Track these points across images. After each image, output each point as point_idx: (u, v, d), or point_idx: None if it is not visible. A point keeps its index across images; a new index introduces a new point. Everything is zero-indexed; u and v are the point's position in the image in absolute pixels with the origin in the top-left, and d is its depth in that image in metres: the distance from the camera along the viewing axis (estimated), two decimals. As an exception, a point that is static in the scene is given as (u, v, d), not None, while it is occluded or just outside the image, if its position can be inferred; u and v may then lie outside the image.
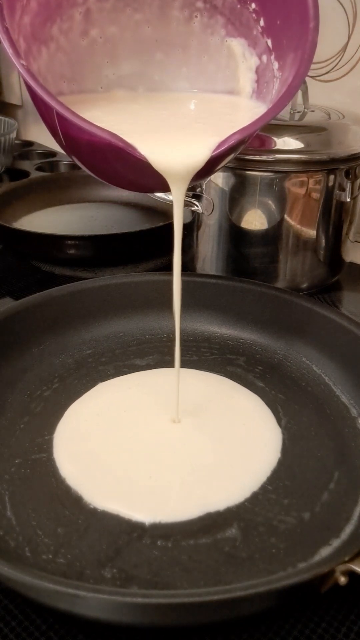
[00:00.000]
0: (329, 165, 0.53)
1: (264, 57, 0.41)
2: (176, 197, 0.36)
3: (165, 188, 0.36)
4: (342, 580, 0.29)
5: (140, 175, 0.36)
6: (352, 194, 0.56)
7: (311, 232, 0.56)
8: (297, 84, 0.35)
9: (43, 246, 0.64)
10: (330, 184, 0.54)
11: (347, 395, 0.45)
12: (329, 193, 0.55)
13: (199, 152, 0.34)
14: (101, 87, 0.43)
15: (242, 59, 0.42)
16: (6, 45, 0.32)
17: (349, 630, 0.31)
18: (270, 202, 0.54)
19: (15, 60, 0.32)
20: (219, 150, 0.34)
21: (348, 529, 0.34)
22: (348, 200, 0.56)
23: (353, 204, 0.58)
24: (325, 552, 0.33)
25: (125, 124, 0.36)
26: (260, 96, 0.42)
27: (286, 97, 0.35)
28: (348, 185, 0.55)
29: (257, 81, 0.42)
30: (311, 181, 0.54)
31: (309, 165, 0.53)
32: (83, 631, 0.31)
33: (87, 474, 0.38)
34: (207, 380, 0.47)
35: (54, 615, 0.31)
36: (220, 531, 0.34)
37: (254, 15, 0.40)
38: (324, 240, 0.58)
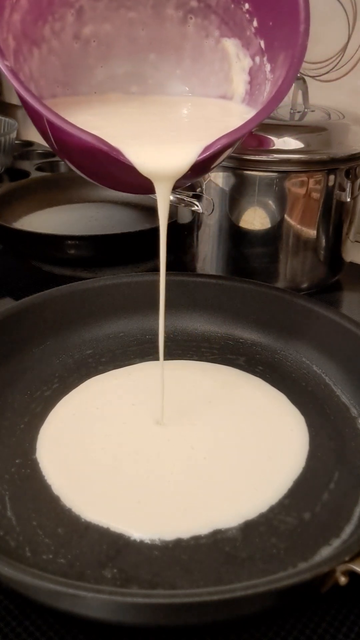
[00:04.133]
0: (329, 165, 0.53)
1: (257, 59, 0.41)
2: (160, 197, 0.37)
3: (153, 189, 0.36)
4: (342, 580, 0.29)
5: (128, 177, 0.37)
6: (352, 194, 0.56)
7: (311, 232, 0.56)
8: (286, 88, 0.35)
9: (43, 246, 0.64)
10: (330, 184, 0.54)
11: (347, 395, 0.45)
12: (329, 193, 0.55)
13: (184, 157, 0.35)
14: (95, 92, 0.43)
15: (236, 59, 0.42)
16: None
17: (349, 630, 0.31)
18: (270, 202, 0.54)
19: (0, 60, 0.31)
20: (204, 155, 0.34)
21: (348, 529, 0.34)
22: (348, 200, 0.56)
23: (353, 204, 0.58)
24: (325, 552, 0.33)
25: (115, 127, 0.37)
26: (252, 98, 0.42)
27: (274, 101, 0.35)
28: (348, 185, 0.55)
29: (250, 82, 0.42)
30: (311, 181, 0.54)
31: (309, 165, 0.53)
32: (83, 631, 0.31)
33: (77, 488, 0.37)
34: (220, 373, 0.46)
35: (54, 615, 0.31)
36: (220, 531, 0.34)
37: (247, 15, 0.40)
38: (324, 240, 0.58)
